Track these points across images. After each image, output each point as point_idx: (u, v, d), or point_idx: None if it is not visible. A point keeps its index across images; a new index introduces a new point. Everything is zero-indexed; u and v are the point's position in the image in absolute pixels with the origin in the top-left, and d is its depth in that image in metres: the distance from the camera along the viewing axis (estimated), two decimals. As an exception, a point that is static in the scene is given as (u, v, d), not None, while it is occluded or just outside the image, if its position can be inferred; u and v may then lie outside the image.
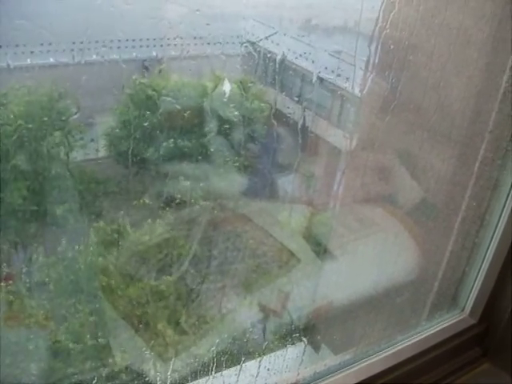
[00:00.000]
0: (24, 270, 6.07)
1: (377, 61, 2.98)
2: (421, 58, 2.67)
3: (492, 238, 2.28)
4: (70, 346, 5.28)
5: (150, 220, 6.34)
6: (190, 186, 6.47)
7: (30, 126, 6.42)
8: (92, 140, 7.59)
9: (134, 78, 7.03)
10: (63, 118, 6.68)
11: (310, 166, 6.67)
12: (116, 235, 6.16)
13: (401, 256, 2.79)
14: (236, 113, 7.05)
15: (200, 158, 6.91)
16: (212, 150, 7.02)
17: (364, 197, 3.01)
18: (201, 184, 6.53)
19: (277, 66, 8.12)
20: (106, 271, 5.81)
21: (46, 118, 6.55)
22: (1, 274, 5.72)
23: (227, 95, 6.81)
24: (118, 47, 7.41)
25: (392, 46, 2.78)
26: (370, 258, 2.89)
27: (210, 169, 6.79)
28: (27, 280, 5.94)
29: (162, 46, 7.89)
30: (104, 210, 6.88)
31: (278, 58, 8.07)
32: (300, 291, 4.88)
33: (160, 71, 7.28)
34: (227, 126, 7.12)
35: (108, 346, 5.36)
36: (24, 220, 6.41)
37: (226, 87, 6.71)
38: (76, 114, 6.75)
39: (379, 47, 2.99)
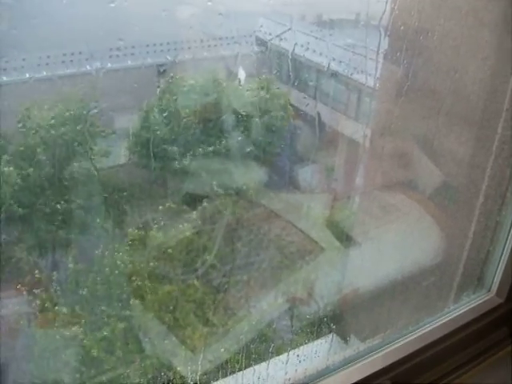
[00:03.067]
0: (55, 277, 6.13)
1: (389, 48, 2.99)
2: (434, 43, 2.68)
3: (515, 215, 2.29)
4: (101, 354, 5.34)
5: (175, 220, 6.38)
6: (213, 182, 6.53)
7: (58, 135, 6.53)
8: (119, 136, 7.67)
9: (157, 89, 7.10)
10: (88, 127, 6.78)
11: (330, 157, 6.69)
12: (143, 238, 6.21)
13: (425, 240, 2.80)
14: (255, 110, 7.08)
15: (221, 152, 6.97)
16: (232, 144, 7.07)
17: (385, 184, 3.02)
18: (223, 179, 6.58)
19: (291, 62, 8.15)
20: (135, 274, 5.86)
21: (71, 127, 6.65)
22: (33, 280, 5.80)
23: (242, 82, 6.85)
24: (132, 54, 7.49)
25: (404, 33, 2.79)
26: (395, 244, 2.90)
27: (230, 163, 6.84)
28: (58, 287, 6.00)
29: (176, 49, 7.96)
30: (130, 214, 6.94)
31: (292, 54, 8.12)
32: (325, 279, 4.88)
33: (176, 74, 7.35)
34: (246, 122, 7.16)
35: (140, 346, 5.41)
36: (53, 227, 6.49)
37: (241, 74, 6.74)
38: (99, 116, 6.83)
39: (390, 34, 3.01)
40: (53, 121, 6.74)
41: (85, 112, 7.03)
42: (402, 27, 2.81)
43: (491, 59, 2.48)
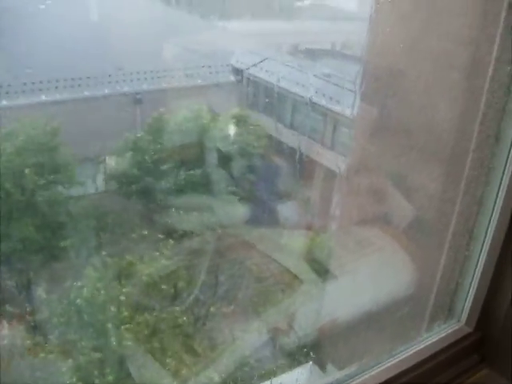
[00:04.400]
0: (28, 310, 6.10)
1: (365, 88, 3.13)
2: (408, 83, 2.82)
3: (481, 249, 2.41)
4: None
5: (154, 252, 6.39)
6: (194, 218, 6.58)
7: (30, 162, 6.57)
8: (91, 176, 7.72)
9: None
10: (60, 155, 6.83)
11: (307, 191, 6.81)
12: (120, 269, 6.21)
13: (398, 272, 2.93)
14: (235, 146, 7.21)
15: (202, 189, 7.05)
16: (213, 181, 7.16)
17: (360, 218, 3.14)
18: (204, 215, 6.64)
19: (267, 91, 8.32)
20: (109, 304, 5.86)
21: (43, 155, 6.70)
22: (9, 314, 5.78)
23: (232, 138, 6.98)
24: (109, 82, 7.63)
25: (379, 72, 2.93)
26: (369, 276, 3.02)
27: (211, 200, 6.91)
28: (32, 319, 5.98)
29: (153, 78, 8.11)
30: (106, 244, 6.95)
31: (268, 84, 8.31)
32: (304, 311, 4.97)
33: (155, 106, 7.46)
34: (226, 159, 7.27)
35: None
36: (27, 257, 6.49)
37: (231, 130, 6.88)
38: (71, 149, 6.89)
39: (367, 73, 3.14)
40: (20, 149, 6.79)
41: (60, 155, 7.09)
42: (378, 68, 2.94)
43: (460, 100, 2.62)
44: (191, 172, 7.19)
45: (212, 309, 5.89)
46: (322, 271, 4.20)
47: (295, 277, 5.51)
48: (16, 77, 7.99)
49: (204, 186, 7.08)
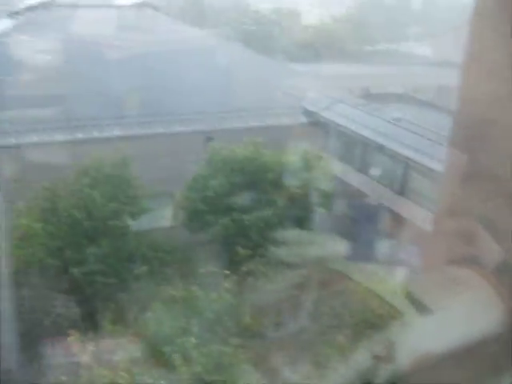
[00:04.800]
0: (91, 337, 6.20)
1: (455, 135, 3.27)
2: (498, 131, 2.96)
3: None
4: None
5: (218, 288, 6.42)
6: (294, 253, 6.64)
7: (100, 193, 6.83)
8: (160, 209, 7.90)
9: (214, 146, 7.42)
10: (129, 188, 7.06)
11: (401, 232, 6.87)
12: (185, 302, 6.27)
13: (488, 311, 3.04)
14: (325, 186, 7.31)
15: (300, 226, 7.13)
16: (308, 219, 7.23)
17: (451, 258, 3.28)
18: (303, 250, 6.71)
19: (339, 134, 8.39)
20: (175, 337, 5.93)
21: (112, 188, 6.95)
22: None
23: (303, 175, 7.11)
24: (181, 120, 7.85)
25: (470, 120, 3.08)
26: (462, 313, 3.14)
27: (310, 236, 6.98)
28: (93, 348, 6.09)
29: (225, 118, 8.34)
30: (174, 277, 7.03)
31: (340, 126, 8.38)
32: (402, 342, 4.98)
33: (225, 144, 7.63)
34: (296, 197, 7.35)
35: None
36: (96, 289, 6.66)
37: (300, 168, 7.05)
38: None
39: (456, 122, 3.29)
40: (93, 181, 7.03)
41: (131, 189, 7.31)
42: (469, 117, 3.08)
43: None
44: (261, 209, 7.30)
45: (275, 347, 5.89)
46: (419, 306, 4.27)
47: (395, 309, 5.55)
48: (90, 112, 8.36)
49: (301, 221, 7.19)
